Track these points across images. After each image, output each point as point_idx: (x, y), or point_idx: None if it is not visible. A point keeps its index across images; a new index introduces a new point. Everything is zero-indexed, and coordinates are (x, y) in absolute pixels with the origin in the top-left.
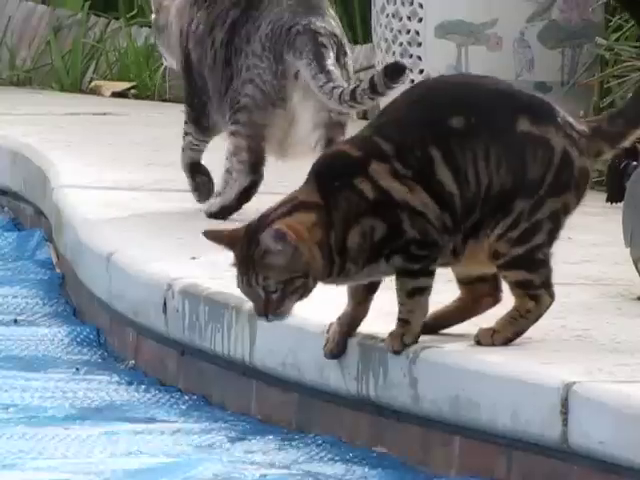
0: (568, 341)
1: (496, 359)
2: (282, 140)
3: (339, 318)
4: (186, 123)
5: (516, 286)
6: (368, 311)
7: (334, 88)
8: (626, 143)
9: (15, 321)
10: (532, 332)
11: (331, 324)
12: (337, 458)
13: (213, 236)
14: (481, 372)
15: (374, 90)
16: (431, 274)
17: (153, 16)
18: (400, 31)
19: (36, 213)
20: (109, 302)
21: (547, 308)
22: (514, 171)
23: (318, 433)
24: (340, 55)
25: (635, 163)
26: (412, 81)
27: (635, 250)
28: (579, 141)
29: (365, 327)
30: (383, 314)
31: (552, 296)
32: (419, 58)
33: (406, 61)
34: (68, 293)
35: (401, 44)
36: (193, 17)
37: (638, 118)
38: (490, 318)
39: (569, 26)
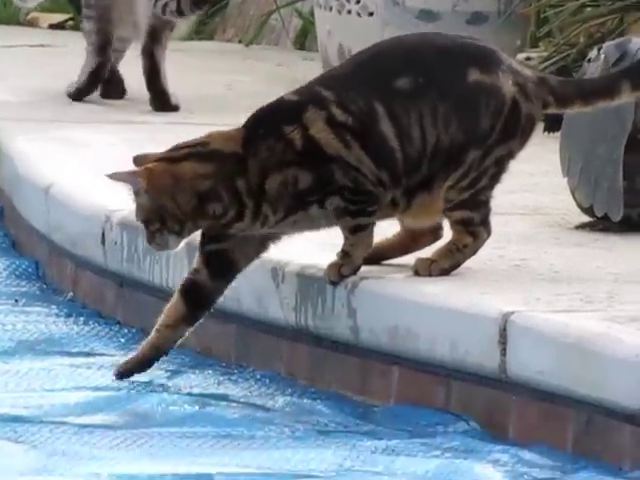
0: (506, 271)
1: (434, 290)
2: (129, 18)
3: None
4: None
5: (457, 223)
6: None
7: None
8: (571, 110)
9: None
10: (471, 262)
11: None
12: (277, 391)
13: (138, 162)
14: (420, 303)
15: (180, 11)
16: (370, 214)
17: None
18: None
19: None
20: (47, 234)
21: (483, 243)
22: (466, 124)
23: (256, 364)
24: None
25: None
26: (348, 12)
27: (572, 179)
28: (526, 87)
29: (305, 257)
30: (325, 245)
31: (489, 232)
32: None
33: None
34: (6, 226)
35: None
36: None
37: (590, 96)
38: (429, 251)
39: None
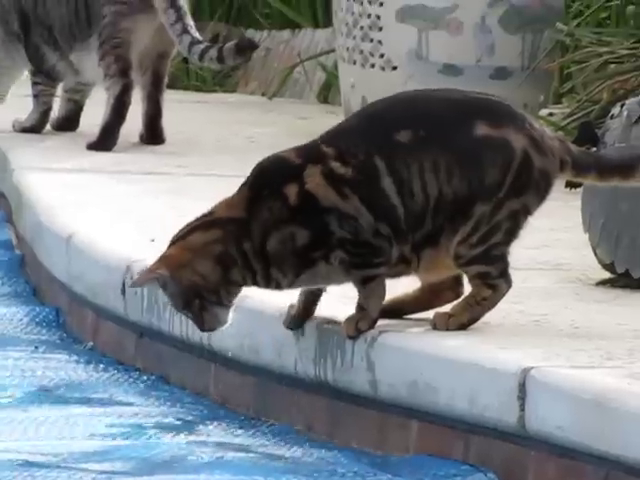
0: (526, 326)
1: (454, 343)
2: (146, 46)
3: None
4: (34, 74)
5: (475, 277)
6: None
7: (184, 32)
8: (585, 180)
9: None
10: (490, 317)
11: None
12: (294, 441)
13: None
14: (439, 356)
15: (220, 59)
16: (377, 265)
17: None
18: (361, 15)
19: None
20: (68, 283)
21: (503, 295)
22: (471, 177)
23: (275, 416)
24: None
25: (594, 149)
26: (372, 66)
27: (593, 235)
28: (542, 142)
29: (325, 310)
30: (344, 298)
31: (509, 284)
32: (380, 42)
33: (367, 46)
34: (27, 274)
35: (362, 28)
36: None
37: (606, 171)
38: (449, 305)
39: (530, 11)
